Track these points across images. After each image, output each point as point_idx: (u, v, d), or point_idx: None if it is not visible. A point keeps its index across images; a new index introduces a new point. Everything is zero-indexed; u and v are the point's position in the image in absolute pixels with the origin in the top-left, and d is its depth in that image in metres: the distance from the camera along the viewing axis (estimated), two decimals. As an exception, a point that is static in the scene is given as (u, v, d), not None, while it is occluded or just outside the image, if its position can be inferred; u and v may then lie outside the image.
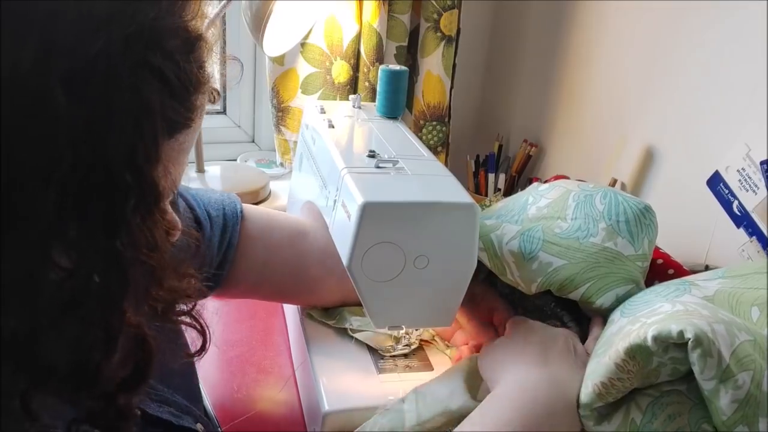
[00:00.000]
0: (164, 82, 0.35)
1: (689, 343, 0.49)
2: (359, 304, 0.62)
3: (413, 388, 0.65)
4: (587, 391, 0.55)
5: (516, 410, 0.54)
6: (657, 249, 0.87)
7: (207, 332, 0.44)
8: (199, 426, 0.54)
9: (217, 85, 0.43)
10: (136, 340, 0.36)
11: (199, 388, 0.60)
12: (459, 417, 0.59)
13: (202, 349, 0.46)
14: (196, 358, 0.45)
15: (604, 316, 0.67)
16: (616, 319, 0.62)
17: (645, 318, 0.56)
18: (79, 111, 0.32)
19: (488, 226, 0.71)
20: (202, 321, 0.43)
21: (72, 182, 0.32)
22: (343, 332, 0.79)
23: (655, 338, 0.51)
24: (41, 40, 0.31)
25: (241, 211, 0.74)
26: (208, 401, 0.81)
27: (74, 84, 0.31)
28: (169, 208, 0.43)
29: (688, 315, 0.53)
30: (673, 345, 0.51)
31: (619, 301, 0.66)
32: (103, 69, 0.32)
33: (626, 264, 0.67)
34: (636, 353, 0.52)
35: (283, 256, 0.76)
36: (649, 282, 0.77)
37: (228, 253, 0.71)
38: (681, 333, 0.50)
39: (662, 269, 0.82)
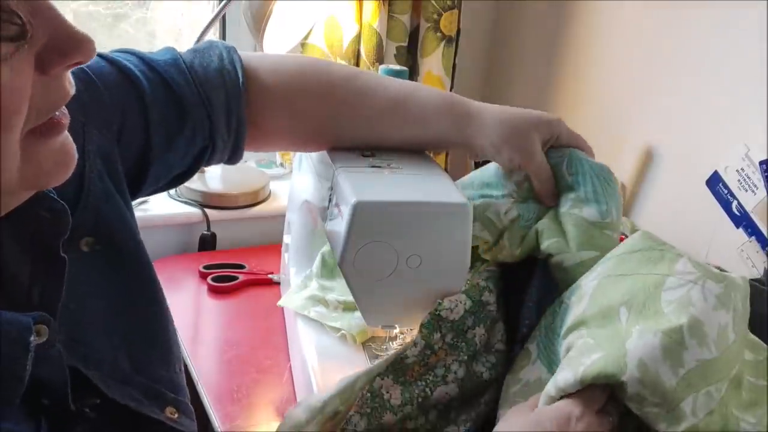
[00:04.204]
0: None
1: None
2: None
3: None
4: None
5: None
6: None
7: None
8: (168, 410, 0.52)
9: None
10: None
11: (177, 378, 0.58)
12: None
13: None
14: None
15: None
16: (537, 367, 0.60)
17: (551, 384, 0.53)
18: None
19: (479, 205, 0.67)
20: None
21: None
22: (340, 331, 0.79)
23: None
24: None
25: (243, 81, 0.62)
26: (207, 401, 0.81)
27: None
28: None
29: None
30: None
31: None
32: None
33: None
34: None
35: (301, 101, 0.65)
36: None
37: (240, 131, 0.62)
38: None
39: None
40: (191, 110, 0.59)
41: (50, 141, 0.39)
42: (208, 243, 1.19)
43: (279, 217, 1.07)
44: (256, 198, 1.21)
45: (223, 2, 1.05)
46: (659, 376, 0.47)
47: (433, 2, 1.18)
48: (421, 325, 0.59)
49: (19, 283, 0.44)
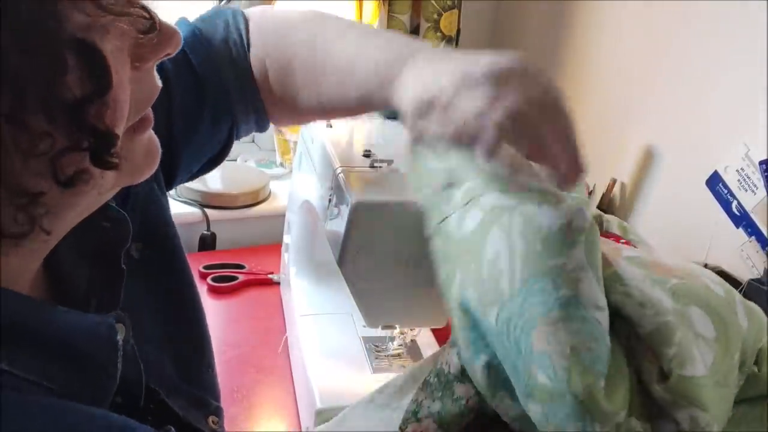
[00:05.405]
0: None
1: None
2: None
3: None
4: None
5: None
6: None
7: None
8: (211, 420, 0.52)
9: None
10: (84, 50, 0.32)
11: (215, 379, 0.57)
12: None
13: None
14: None
15: None
16: None
17: None
18: None
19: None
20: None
21: None
22: (341, 331, 0.79)
23: None
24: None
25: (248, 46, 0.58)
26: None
27: None
28: None
29: None
30: None
31: None
32: None
33: None
34: None
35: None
36: None
37: (255, 99, 0.58)
38: None
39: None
40: (209, 88, 0.56)
41: (141, 136, 0.38)
42: (207, 243, 1.19)
43: (279, 217, 1.07)
44: (256, 198, 1.21)
45: (223, 2, 1.05)
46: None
47: (433, 2, 1.18)
48: None
49: (77, 288, 0.44)
